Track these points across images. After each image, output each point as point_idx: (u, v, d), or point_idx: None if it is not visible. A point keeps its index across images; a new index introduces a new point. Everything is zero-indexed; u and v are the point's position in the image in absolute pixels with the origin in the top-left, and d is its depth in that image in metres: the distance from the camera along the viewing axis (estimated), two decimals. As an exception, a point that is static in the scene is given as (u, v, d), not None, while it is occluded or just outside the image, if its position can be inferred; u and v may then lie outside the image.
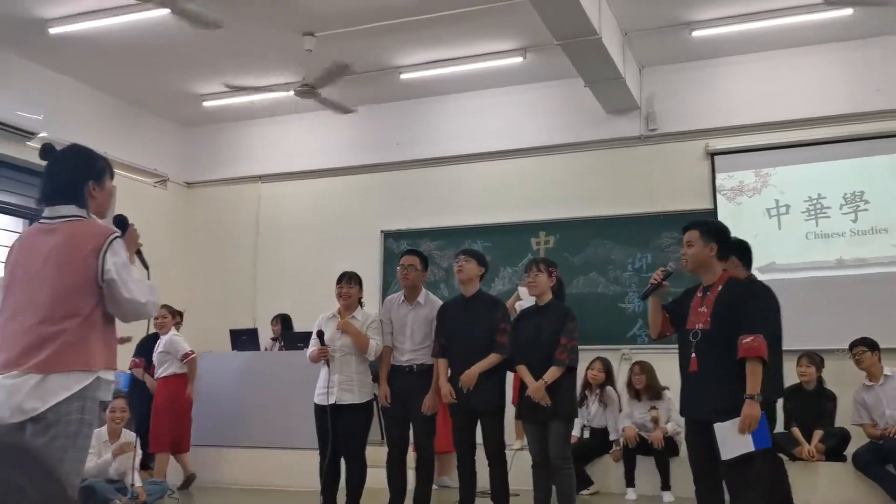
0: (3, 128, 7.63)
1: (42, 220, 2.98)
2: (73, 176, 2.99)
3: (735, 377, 3.74)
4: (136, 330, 4.92)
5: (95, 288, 2.85)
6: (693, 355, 3.92)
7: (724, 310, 3.85)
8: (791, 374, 6.50)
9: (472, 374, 4.99)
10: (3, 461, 0.48)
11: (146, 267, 3.22)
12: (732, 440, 3.65)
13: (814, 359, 6.60)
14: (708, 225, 4.18)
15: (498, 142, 9.02)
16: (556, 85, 8.70)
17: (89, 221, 2.96)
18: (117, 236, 2.93)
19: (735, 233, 4.42)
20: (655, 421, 6.65)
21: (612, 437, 6.93)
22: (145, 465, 7.09)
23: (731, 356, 3.78)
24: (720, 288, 3.94)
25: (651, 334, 4.26)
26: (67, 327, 2.79)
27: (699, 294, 4.03)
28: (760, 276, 7.65)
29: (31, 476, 0.48)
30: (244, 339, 8.41)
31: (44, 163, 3.07)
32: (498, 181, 9.01)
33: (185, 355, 7.31)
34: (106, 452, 6.38)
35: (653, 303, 4.18)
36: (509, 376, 5.25)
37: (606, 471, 6.92)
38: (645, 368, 6.85)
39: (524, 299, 6.69)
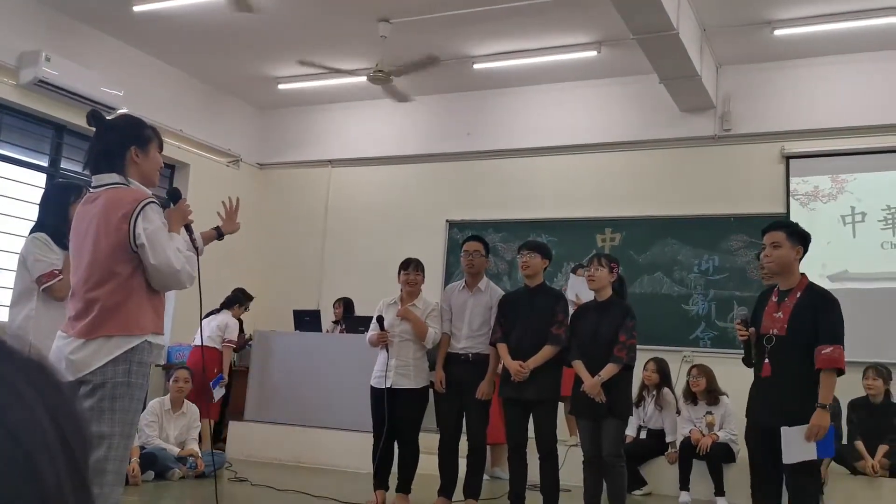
0: (84, 101, 7.80)
1: (91, 190, 3.03)
2: (116, 143, 2.98)
3: (809, 385, 3.69)
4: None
5: (131, 253, 2.85)
6: (766, 361, 3.82)
7: (803, 317, 3.74)
8: (857, 387, 6.34)
9: (525, 368, 4.97)
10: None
11: (195, 245, 3.17)
12: (797, 446, 3.66)
13: (881, 371, 6.40)
14: (795, 227, 4.02)
15: (568, 136, 8.94)
16: (630, 81, 8.58)
17: (127, 188, 2.95)
18: (151, 202, 2.90)
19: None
20: (710, 426, 6.53)
21: (668, 439, 6.84)
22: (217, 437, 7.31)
23: (807, 364, 3.70)
24: (799, 294, 3.82)
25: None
26: (105, 292, 2.83)
27: (774, 299, 3.90)
28: (832, 285, 7.48)
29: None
30: (307, 321, 8.54)
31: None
32: (566, 176, 8.94)
33: (230, 341, 7.62)
34: (168, 421, 6.57)
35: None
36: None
37: (661, 472, 6.83)
38: (704, 371, 6.69)
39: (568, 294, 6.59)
